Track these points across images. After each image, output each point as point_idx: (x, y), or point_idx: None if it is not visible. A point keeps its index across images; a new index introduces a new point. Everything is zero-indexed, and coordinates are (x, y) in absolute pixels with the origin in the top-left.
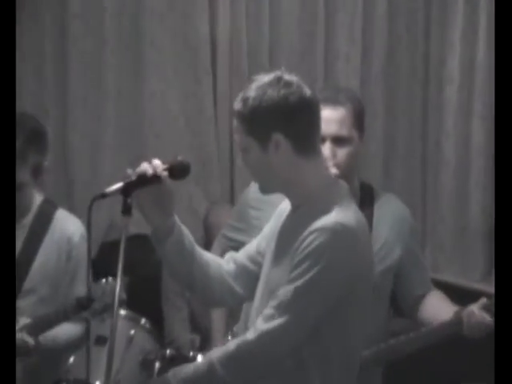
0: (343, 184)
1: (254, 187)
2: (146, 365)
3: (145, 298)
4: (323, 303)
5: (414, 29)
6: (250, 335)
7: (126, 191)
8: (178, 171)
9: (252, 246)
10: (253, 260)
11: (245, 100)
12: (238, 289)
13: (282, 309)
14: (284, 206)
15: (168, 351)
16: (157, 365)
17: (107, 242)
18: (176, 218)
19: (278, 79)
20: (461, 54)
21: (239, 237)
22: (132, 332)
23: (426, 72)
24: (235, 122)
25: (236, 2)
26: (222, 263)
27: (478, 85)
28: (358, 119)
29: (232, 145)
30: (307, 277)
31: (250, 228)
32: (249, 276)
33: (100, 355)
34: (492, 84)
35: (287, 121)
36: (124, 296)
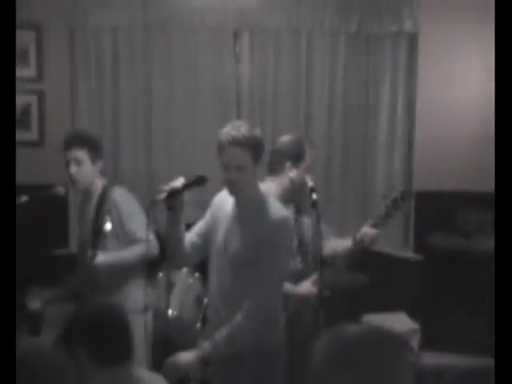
0: None
1: None
2: (198, 300)
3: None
4: None
5: None
6: None
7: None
8: (193, 185)
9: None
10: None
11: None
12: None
13: None
14: (216, 200)
15: None
16: (205, 300)
17: None
18: None
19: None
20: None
21: None
22: (190, 280)
23: None
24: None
25: None
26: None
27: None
28: None
29: None
30: None
31: None
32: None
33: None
34: None
35: None
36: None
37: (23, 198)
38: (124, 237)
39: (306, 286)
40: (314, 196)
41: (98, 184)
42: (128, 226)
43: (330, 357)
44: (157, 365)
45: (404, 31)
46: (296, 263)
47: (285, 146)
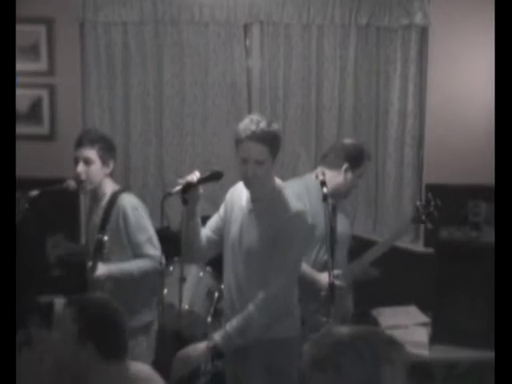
0: None
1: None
2: (209, 294)
3: None
4: None
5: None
6: None
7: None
8: (209, 179)
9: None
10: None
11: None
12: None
13: None
14: (230, 195)
15: (222, 286)
16: (216, 294)
17: None
18: None
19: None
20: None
21: None
22: (201, 274)
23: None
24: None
25: None
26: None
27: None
28: None
29: None
30: None
31: None
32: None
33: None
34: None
35: None
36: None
37: (34, 192)
38: (128, 248)
39: (326, 277)
40: (325, 190)
41: (108, 188)
42: (134, 239)
43: (314, 359)
44: (168, 358)
45: (414, 24)
46: (322, 254)
47: (347, 148)
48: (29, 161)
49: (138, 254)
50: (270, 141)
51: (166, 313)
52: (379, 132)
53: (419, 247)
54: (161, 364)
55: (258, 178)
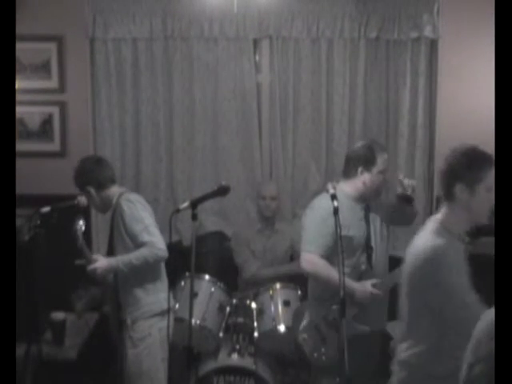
0: None
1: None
2: (221, 309)
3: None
4: None
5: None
6: None
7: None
8: (216, 194)
9: None
10: None
11: None
12: None
13: None
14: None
15: (234, 301)
16: (228, 309)
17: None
18: None
19: None
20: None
21: None
22: (212, 289)
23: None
24: None
25: None
26: None
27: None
28: None
29: None
30: None
31: None
32: None
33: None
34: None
35: None
36: None
37: (45, 209)
38: (131, 243)
39: (363, 287)
40: (335, 203)
41: (116, 192)
42: (130, 231)
43: None
44: (179, 373)
45: (424, 37)
46: (360, 263)
47: (356, 152)
48: (40, 177)
49: (136, 244)
50: None
51: (178, 328)
52: (389, 145)
53: None
54: (172, 378)
55: None
